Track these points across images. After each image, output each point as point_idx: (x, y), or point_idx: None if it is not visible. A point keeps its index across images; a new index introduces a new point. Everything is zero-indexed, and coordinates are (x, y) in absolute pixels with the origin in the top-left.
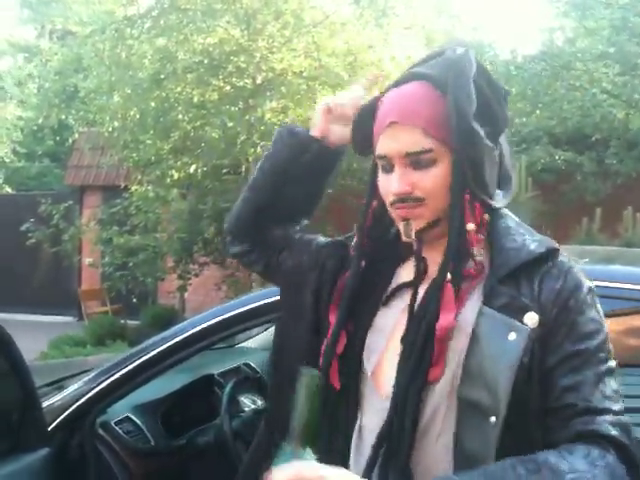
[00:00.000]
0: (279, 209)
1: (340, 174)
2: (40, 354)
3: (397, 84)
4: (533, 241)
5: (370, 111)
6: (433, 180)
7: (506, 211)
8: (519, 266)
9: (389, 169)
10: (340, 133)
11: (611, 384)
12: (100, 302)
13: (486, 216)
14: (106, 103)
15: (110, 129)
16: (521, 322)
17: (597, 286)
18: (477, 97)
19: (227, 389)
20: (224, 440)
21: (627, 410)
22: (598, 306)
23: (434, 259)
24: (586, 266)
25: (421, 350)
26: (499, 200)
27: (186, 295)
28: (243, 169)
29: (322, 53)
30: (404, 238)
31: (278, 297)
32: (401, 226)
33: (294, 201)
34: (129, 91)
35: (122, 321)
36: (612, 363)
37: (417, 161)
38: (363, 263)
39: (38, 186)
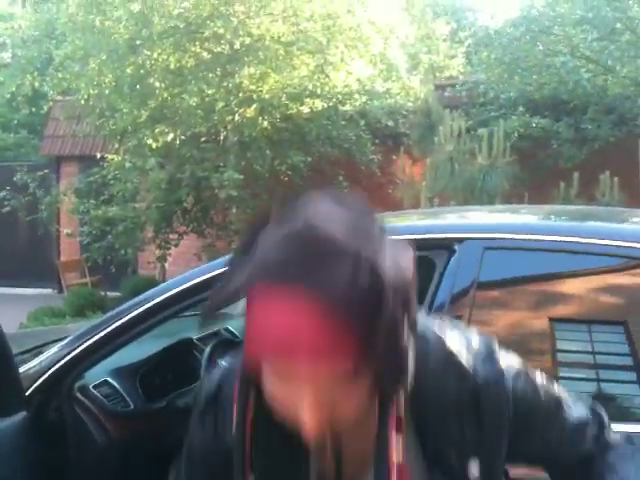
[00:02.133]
0: None
1: (318, 141)
2: (20, 326)
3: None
4: (451, 377)
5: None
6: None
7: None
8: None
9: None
10: None
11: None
12: (79, 274)
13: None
14: (81, 70)
15: (86, 97)
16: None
17: (572, 242)
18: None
19: (206, 352)
20: None
21: (601, 366)
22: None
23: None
24: (563, 223)
25: None
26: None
27: (166, 265)
28: (222, 137)
29: (300, 17)
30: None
31: None
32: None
33: None
34: (104, 57)
35: (102, 292)
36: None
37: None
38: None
39: (15, 157)
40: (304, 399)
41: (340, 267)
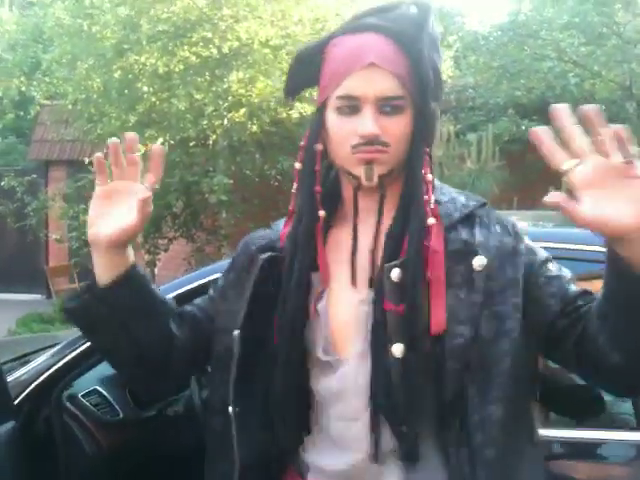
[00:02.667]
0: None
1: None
2: (8, 332)
3: (351, 32)
4: (460, 195)
5: (318, 52)
6: (400, 128)
7: None
8: (460, 217)
9: (351, 112)
10: (107, 231)
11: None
12: (68, 279)
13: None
14: (68, 75)
15: (73, 101)
16: (470, 265)
17: (561, 249)
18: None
19: None
20: (194, 410)
21: None
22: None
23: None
24: (550, 229)
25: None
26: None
27: (156, 270)
28: (211, 141)
29: (289, 21)
30: (365, 182)
31: None
32: (362, 170)
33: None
34: (92, 62)
35: None
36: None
37: (387, 107)
38: (322, 213)
39: (3, 163)
40: (365, 115)
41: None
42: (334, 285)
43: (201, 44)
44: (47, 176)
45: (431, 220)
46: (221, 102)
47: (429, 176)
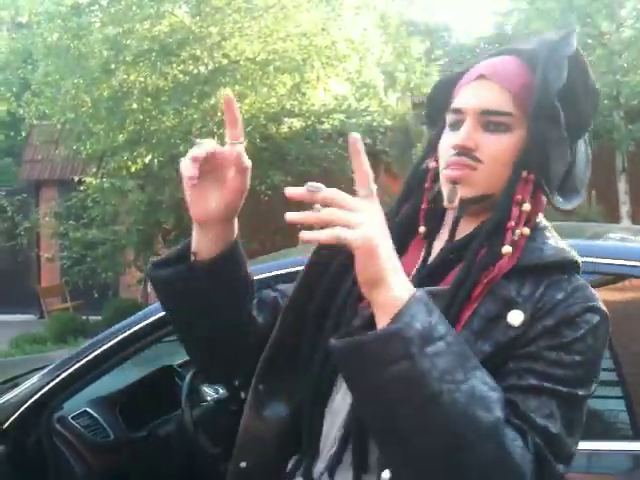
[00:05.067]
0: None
1: (298, 160)
2: None
3: (487, 58)
4: (552, 247)
5: (452, 82)
6: (499, 146)
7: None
8: (527, 267)
9: (457, 126)
10: (214, 207)
11: (569, 413)
12: (61, 298)
13: (540, 215)
14: (56, 94)
15: (62, 121)
16: (505, 318)
17: None
18: (566, 82)
19: (187, 379)
20: (185, 430)
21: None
22: (601, 340)
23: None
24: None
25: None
26: (558, 201)
27: (149, 288)
28: None
29: (275, 37)
30: (446, 204)
31: None
32: (446, 189)
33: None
34: (78, 81)
35: (84, 317)
36: (582, 392)
37: (491, 122)
38: (422, 229)
39: None
40: (463, 127)
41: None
42: None
43: (190, 62)
44: (38, 196)
45: (507, 249)
46: (209, 119)
47: (526, 205)
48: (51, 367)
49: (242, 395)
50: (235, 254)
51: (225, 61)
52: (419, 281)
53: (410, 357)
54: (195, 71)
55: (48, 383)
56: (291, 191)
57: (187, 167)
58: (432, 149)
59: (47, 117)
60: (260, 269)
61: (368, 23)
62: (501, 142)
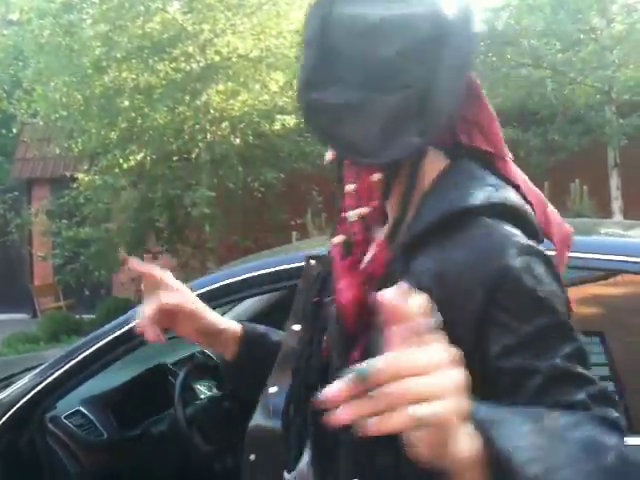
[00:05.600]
0: None
1: (292, 158)
2: None
3: None
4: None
5: None
6: None
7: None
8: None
9: None
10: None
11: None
12: (54, 297)
13: (376, 176)
14: (47, 92)
15: (53, 118)
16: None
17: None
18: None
19: (180, 377)
20: (178, 428)
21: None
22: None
23: None
24: None
25: None
26: (390, 154)
27: (142, 286)
28: (193, 155)
29: (268, 34)
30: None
31: (224, 283)
32: None
33: None
34: (69, 79)
35: (77, 316)
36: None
37: None
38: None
39: None
40: None
41: None
42: None
43: (182, 59)
44: (30, 194)
45: (337, 239)
46: (201, 116)
47: (348, 186)
48: (43, 366)
49: (235, 393)
50: (252, 341)
51: (217, 58)
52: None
53: None
54: (187, 68)
55: (40, 382)
56: (329, 394)
57: (147, 331)
58: None
59: (39, 115)
60: (253, 267)
61: None
62: None
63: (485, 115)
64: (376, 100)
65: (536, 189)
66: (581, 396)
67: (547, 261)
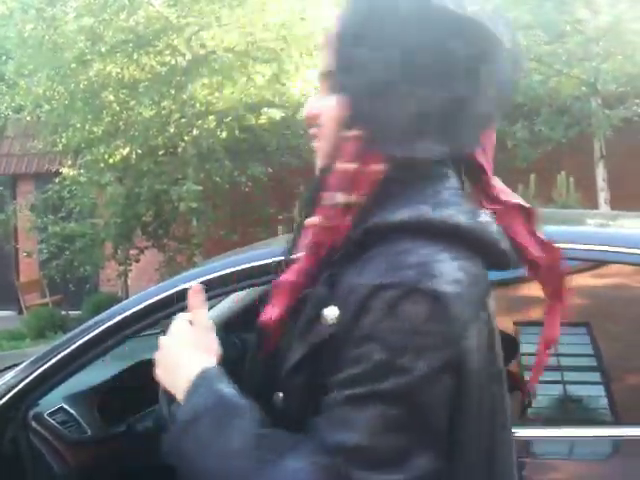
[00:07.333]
0: None
1: (280, 151)
2: None
3: None
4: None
5: None
6: (328, 107)
7: (447, 175)
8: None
9: None
10: None
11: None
12: (40, 294)
13: (379, 166)
14: (29, 86)
15: (37, 113)
16: (318, 316)
17: None
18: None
19: None
20: (163, 424)
21: (572, 368)
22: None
23: None
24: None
25: None
26: (411, 149)
27: (129, 281)
28: (180, 149)
29: (254, 27)
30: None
31: (207, 277)
32: None
33: None
34: (53, 73)
35: (63, 312)
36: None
37: (328, 85)
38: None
39: None
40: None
41: None
42: None
43: (167, 52)
44: (15, 189)
45: (311, 220)
46: (187, 109)
47: (347, 165)
48: (26, 363)
49: None
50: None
51: (203, 51)
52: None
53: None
54: (172, 62)
55: (23, 379)
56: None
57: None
58: None
59: (22, 109)
60: (239, 260)
61: None
62: (330, 102)
63: (490, 138)
64: (422, 93)
65: (520, 209)
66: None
67: (435, 299)
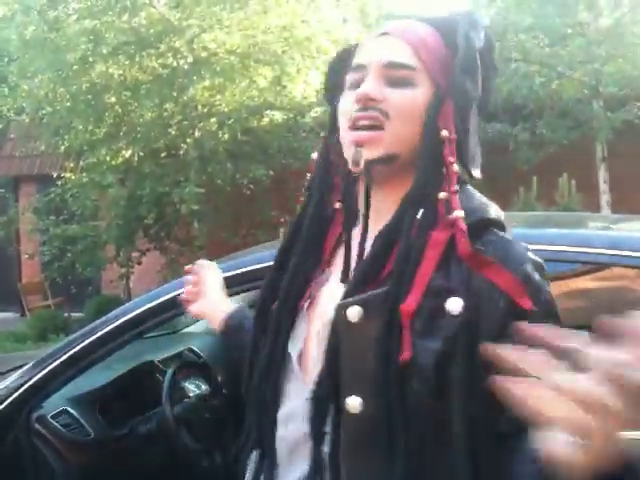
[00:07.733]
0: None
1: (282, 154)
2: None
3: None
4: (487, 205)
5: (348, 55)
6: (405, 100)
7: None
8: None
9: (358, 84)
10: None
11: None
12: (42, 296)
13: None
14: (32, 88)
15: (40, 115)
16: (442, 308)
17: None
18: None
19: (168, 375)
20: (167, 427)
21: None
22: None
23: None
24: (522, 230)
25: None
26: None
27: (131, 283)
28: (182, 152)
29: (256, 30)
30: (352, 167)
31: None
32: (350, 153)
33: None
34: (55, 74)
35: (65, 314)
36: None
37: (394, 77)
38: (338, 205)
39: None
40: (368, 78)
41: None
42: (331, 284)
43: (169, 54)
44: (17, 192)
45: (458, 213)
46: (189, 111)
47: (454, 167)
48: (29, 365)
49: (224, 391)
50: (232, 331)
51: (204, 54)
52: (359, 277)
53: None
54: (174, 64)
55: (26, 382)
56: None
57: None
58: (334, 125)
59: (24, 111)
60: (241, 263)
61: (348, 15)
62: (406, 96)
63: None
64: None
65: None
66: None
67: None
